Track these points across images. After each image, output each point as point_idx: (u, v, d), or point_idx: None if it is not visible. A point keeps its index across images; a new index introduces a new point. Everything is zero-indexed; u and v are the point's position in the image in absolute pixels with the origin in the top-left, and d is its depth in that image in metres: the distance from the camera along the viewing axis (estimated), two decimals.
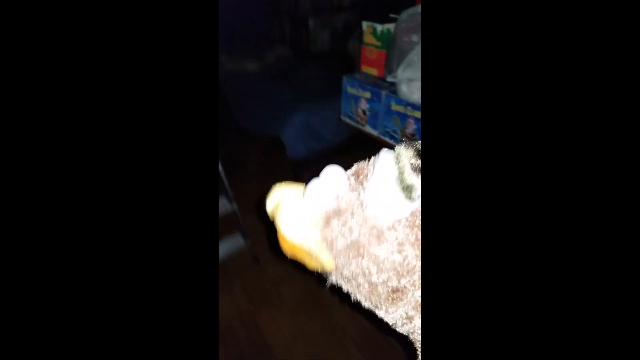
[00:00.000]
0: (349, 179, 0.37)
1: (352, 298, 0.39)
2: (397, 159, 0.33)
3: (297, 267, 0.42)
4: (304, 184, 0.38)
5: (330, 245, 0.35)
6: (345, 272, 0.36)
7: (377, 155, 0.35)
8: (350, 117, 1.72)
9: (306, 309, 1.43)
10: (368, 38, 1.57)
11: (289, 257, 0.40)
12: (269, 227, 0.39)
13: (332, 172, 0.37)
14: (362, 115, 1.63)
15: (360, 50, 1.64)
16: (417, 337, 0.37)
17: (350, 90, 1.63)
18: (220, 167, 1.28)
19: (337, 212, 0.35)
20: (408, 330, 0.37)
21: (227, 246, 1.56)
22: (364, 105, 1.59)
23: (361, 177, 0.37)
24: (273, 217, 0.39)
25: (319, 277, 0.41)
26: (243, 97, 2.67)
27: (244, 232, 1.56)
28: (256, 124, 2.44)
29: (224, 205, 1.46)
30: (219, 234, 1.55)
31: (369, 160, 0.37)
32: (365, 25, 1.55)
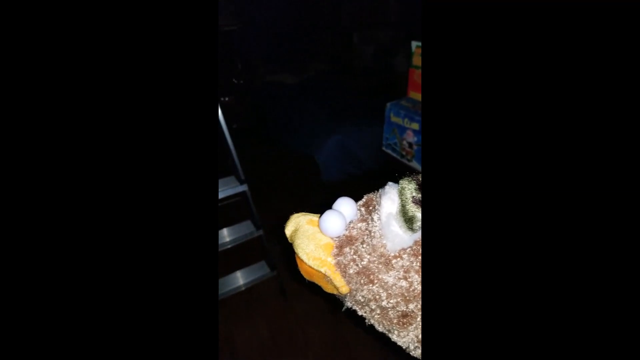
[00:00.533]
0: (359, 209, 0.42)
1: (366, 322, 0.43)
2: (401, 192, 0.37)
3: (314, 289, 0.46)
4: (319, 213, 0.43)
5: (344, 271, 0.40)
6: (359, 297, 0.40)
7: (383, 188, 0.40)
8: (394, 150, 1.53)
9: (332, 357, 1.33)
10: (417, 60, 1.37)
11: (306, 279, 0.44)
12: (288, 250, 0.44)
13: (343, 203, 0.42)
14: (407, 149, 1.44)
15: (408, 74, 1.46)
16: None
17: (395, 119, 1.44)
18: (246, 188, 1.26)
19: (349, 240, 0.40)
20: (420, 355, 0.41)
21: (251, 273, 1.53)
22: (410, 137, 1.40)
23: (370, 207, 0.42)
24: (292, 241, 0.44)
25: (336, 300, 0.45)
26: (279, 111, 2.62)
27: (270, 260, 1.53)
28: (291, 141, 2.38)
29: (249, 229, 1.42)
30: (244, 261, 1.56)
31: (377, 192, 0.42)
32: (414, 45, 1.38)
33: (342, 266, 0.39)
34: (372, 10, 3.08)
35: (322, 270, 0.40)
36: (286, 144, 2.46)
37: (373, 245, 0.38)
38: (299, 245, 0.41)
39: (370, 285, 0.38)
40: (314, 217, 0.44)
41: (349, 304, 0.43)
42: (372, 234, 0.38)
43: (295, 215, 0.45)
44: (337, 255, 0.40)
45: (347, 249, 0.39)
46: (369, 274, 0.37)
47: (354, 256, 0.38)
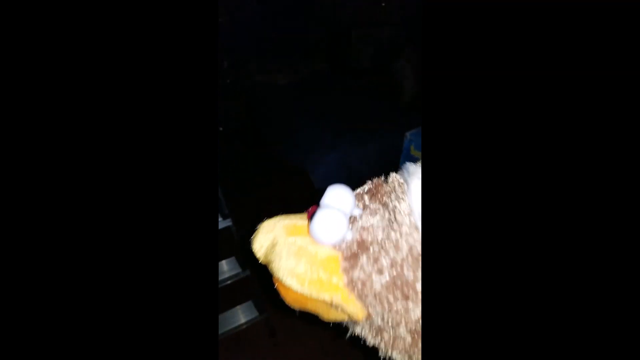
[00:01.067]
0: (361, 198, 0.34)
1: (381, 355, 0.34)
2: None
3: (309, 320, 0.37)
4: (305, 214, 0.34)
5: (361, 292, 0.30)
6: (379, 321, 0.31)
7: (402, 169, 0.33)
8: None
9: None
10: None
11: (296, 309, 0.36)
12: (263, 273, 0.35)
13: (337, 194, 0.33)
14: None
15: None
16: None
17: (417, 153, 1.29)
18: (230, 224, 1.09)
19: (363, 245, 0.31)
20: None
21: (238, 316, 1.38)
22: None
23: (380, 195, 0.33)
24: (267, 262, 0.34)
25: (337, 329, 0.37)
26: (271, 114, 2.37)
27: (258, 301, 1.37)
28: (282, 151, 2.13)
29: (234, 269, 1.25)
30: (230, 302, 1.40)
31: (385, 177, 0.35)
32: None
33: (360, 284, 0.30)
34: (373, 6, 2.85)
35: (326, 297, 0.31)
36: (277, 153, 2.22)
37: (410, 245, 0.29)
38: (281, 268, 0.32)
39: (406, 302, 0.29)
40: (297, 222, 0.34)
41: (359, 330, 0.35)
42: (400, 229, 0.30)
43: (267, 222, 0.35)
44: (349, 269, 0.31)
45: (363, 259, 0.30)
46: (403, 286, 0.29)
47: (377, 265, 0.30)
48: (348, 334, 0.36)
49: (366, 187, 0.35)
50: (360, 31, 2.88)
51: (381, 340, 0.33)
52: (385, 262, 0.29)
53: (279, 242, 0.33)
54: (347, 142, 1.87)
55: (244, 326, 1.31)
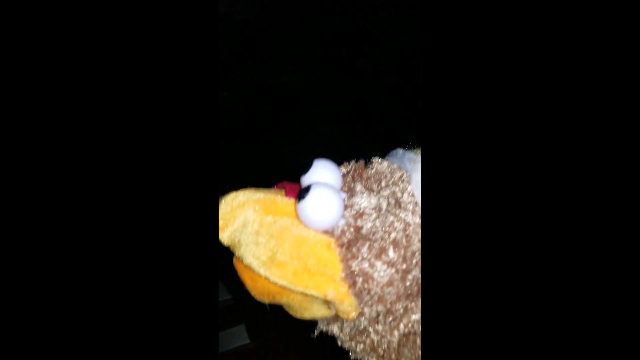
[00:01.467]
0: (344, 180, 0.31)
1: (352, 356, 0.30)
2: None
3: (277, 312, 0.32)
4: (281, 190, 0.30)
5: (363, 285, 0.26)
6: (365, 322, 0.28)
7: (392, 155, 0.31)
8: None
9: None
10: None
11: (266, 301, 0.31)
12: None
13: (326, 169, 0.29)
14: None
15: None
16: None
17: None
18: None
19: (362, 234, 0.27)
20: None
21: (227, 341, 1.30)
22: None
23: (366, 179, 0.30)
24: (233, 244, 0.29)
25: (308, 325, 0.32)
26: (279, 120, 2.29)
27: (250, 327, 1.31)
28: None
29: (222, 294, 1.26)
30: (220, 326, 1.32)
31: (366, 161, 0.31)
32: None
33: (361, 278, 0.26)
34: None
35: (316, 293, 0.26)
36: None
37: (418, 236, 0.26)
38: (253, 252, 0.27)
39: (410, 302, 0.26)
40: (277, 197, 0.29)
41: (334, 330, 0.30)
42: (406, 218, 0.26)
43: (235, 195, 0.29)
44: (349, 259, 0.26)
45: (364, 248, 0.26)
46: (413, 284, 0.26)
47: (382, 257, 0.25)
48: (316, 332, 0.32)
49: (349, 168, 0.31)
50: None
51: (359, 343, 0.29)
52: (393, 254, 0.26)
53: (252, 220, 0.27)
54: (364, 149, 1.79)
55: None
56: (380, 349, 0.28)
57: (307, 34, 2.92)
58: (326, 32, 2.97)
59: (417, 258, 0.26)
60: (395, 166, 0.29)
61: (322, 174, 0.29)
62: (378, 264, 0.26)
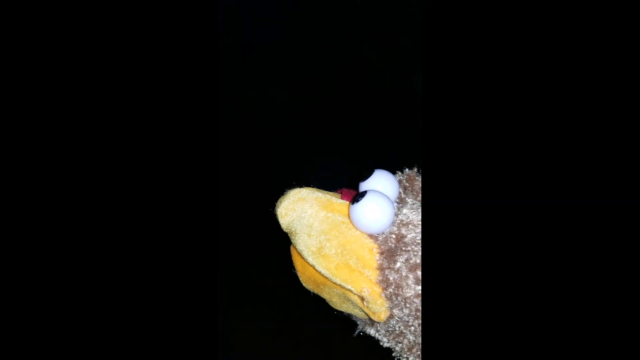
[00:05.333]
0: (401, 191, 0.34)
1: (396, 356, 0.34)
2: None
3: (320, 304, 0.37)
4: (341, 192, 0.34)
5: (394, 293, 0.29)
6: (399, 327, 0.31)
7: None
8: None
9: None
10: None
11: (310, 290, 0.35)
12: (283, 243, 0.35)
13: (383, 179, 0.33)
14: None
15: None
16: None
17: None
18: None
19: (401, 243, 0.30)
20: None
21: None
22: None
23: (416, 191, 0.33)
24: (290, 231, 0.33)
25: (345, 321, 0.37)
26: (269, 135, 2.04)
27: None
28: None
29: None
30: None
31: (418, 170, 0.34)
32: None
33: (393, 286, 0.29)
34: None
35: (353, 288, 0.30)
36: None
37: None
38: (306, 242, 0.30)
39: None
40: (332, 199, 0.32)
41: (372, 332, 0.33)
42: None
43: (298, 189, 0.33)
44: (386, 267, 0.29)
45: (402, 259, 0.29)
46: None
47: (417, 271, 0.28)
48: (357, 332, 0.36)
49: (400, 178, 0.34)
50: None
51: (398, 343, 0.33)
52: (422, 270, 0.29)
53: (309, 213, 0.31)
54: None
55: None
56: (415, 348, 0.32)
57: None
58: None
59: None
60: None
61: (380, 183, 0.32)
62: (410, 277, 0.28)
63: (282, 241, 0.36)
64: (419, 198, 0.32)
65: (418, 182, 0.33)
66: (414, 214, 0.30)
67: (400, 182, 0.34)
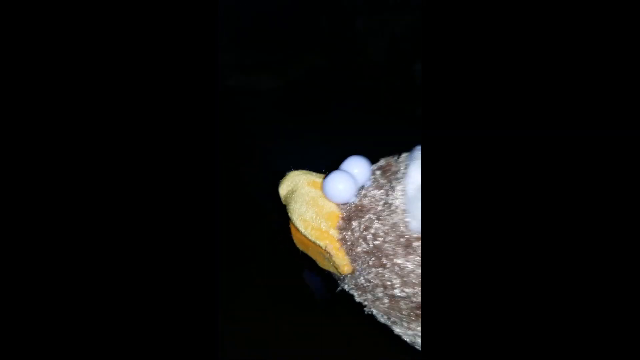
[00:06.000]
0: (374, 173, 0.40)
1: (365, 311, 0.40)
2: None
3: (308, 261, 0.45)
4: (324, 174, 0.41)
5: (349, 249, 0.37)
6: (362, 280, 0.38)
7: (411, 152, 0.37)
8: None
9: None
10: None
11: (300, 249, 0.43)
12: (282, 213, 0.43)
13: (355, 163, 0.40)
14: None
15: None
16: None
17: None
18: None
19: (359, 211, 0.37)
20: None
21: None
22: None
23: (389, 174, 0.39)
24: (286, 203, 0.42)
25: (330, 280, 0.44)
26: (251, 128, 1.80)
27: None
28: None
29: None
30: None
31: (398, 157, 0.40)
32: None
33: (349, 243, 0.37)
34: None
35: (322, 244, 0.38)
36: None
37: (392, 222, 0.35)
38: (295, 210, 0.40)
39: (382, 269, 0.35)
40: (316, 178, 0.41)
41: (346, 287, 0.40)
42: (392, 207, 0.35)
43: (294, 173, 0.43)
44: (343, 229, 0.37)
45: (355, 223, 0.37)
46: (382, 256, 0.35)
47: (365, 232, 0.36)
48: (338, 288, 0.42)
49: (379, 163, 0.40)
50: (369, 19, 2.33)
51: (365, 299, 0.39)
52: (372, 231, 0.35)
53: (297, 189, 0.40)
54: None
55: None
56: (377, 302, 0.37)
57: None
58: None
59: (390, 237, 0.34)
60: (405, 163, 0.36)
61: (351, 165, 0.39)
62: (362, 236, 0.36)
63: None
64: (395, 177, 0.37)
65: (394, 166, 0.38)
66: (375, 191, 0.37)
67: (381, 166, 0.40)
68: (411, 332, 0.37)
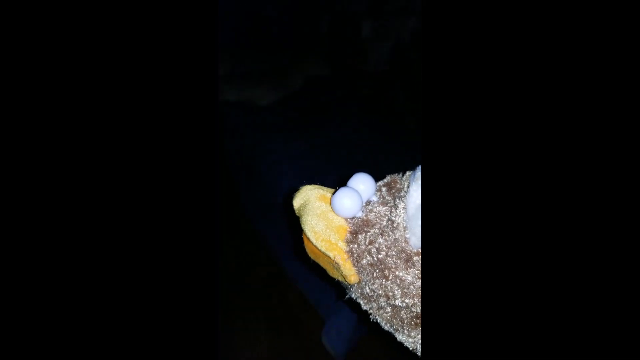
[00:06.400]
0: (380, 189, 0.42)
1: (371, 318, 0.43)
2: None
3: (318, 271, 0.47)
4: (334, 189, 0.43)
5: (356, 260, 0.40)
6: (367, 290, 0.40)
7: (414, 171, 0.39)
8: None
9: None
10: None
11: (311, 259, 0.45)
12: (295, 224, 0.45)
13: (361, 180, 0.42)
14: None
15: None
16: None
17: None
18: None
19: (365, 225, 0.40)
20: None
21: None
22: None
23: (393, 190, 0.41)
24: (299, 215, 0.44)
25: (339, 288, 0.46)
26: (245, 163, 1.67)
27: None
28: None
29: None
30: None
31: (403, 175, 0.42)
32: None
33: (355, 255, 0.39)
34: None
35: (331, 255, 0.40)
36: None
37: (394, 238, 0.37)
38: (306, 222, 0.42)
39: (384, 280, 0.37)
40: (326, 193, 0.44)
41: (353, 295, 0.43)
42: (395, 224, 0.37)
43: (307, 187, 0.45)
44: (351, 242, 0.40)
45: (361, 237, 0.39)
46: (384, 269, 0.37)
47: (370, 246, 0.38)
48: (346, 297, 0.44)
49: (385, 180, 0.42)
50: (374, 23, 2.20)
51: (370, 307, 0.41)
52: (376, 245, 0.37)
53: (309, 202, 0.42)
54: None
55: None
56: (381, 311, 0.40)
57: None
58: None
59: (392, 252, 0.36)
60: (414, 181, 0.37)
61: (357, 182, 0.41)
62: (367, 249, 0.38)
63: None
64: (399, 194, 0.39)
65: (399, 184, 0.41)
66: (381, 207, 0.40)
67: (386, 183, 0.42)
68: (412, 340, 0.40)
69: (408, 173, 0.40)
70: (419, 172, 0.37)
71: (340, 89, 1.96)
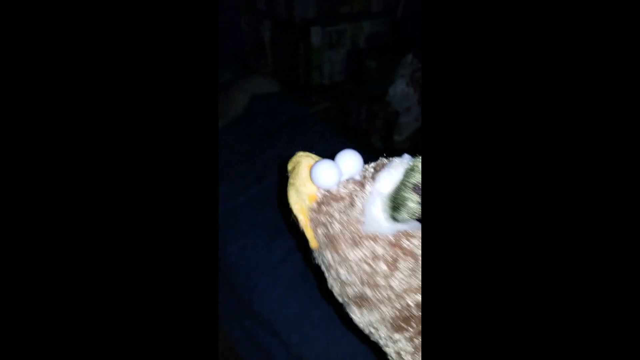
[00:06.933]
0: (366, 170, 0.43)
1: (328, 284, 0.45)
2: (407, 172, 0.37)
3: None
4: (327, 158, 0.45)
5: (315, 228, 0.43)
6: (323, 258, 0.43)
7: (399, 158, 0.40)
8: None
9: None
10: None
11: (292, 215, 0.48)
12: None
13: (346, 156, 0.43)
14: None
15: None
16: (385, 349, 0.44)
17: None
18: None
19: (332, 199, 0.41)
20: (376, 339, 0.44)
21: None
22: None
23: (377, 173, 0.41)
24: (290, 176, 0.48)
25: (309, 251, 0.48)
26: None
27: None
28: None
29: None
30: None
31: (389, 160, 0.42)
32: None
33: (315, 224, 0.42)
34: None
35: (299, 217, 0.44)
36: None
37: (349, 217, 0.39)
38: (290, 184, 0.45)
39: (334, 253, 0.40)
40: (313, 162, 0.45)
41: (318, 261, 0.46)
42: (354, 204, 0.39)
43: (300, 154, 0.47)
44: (315, 211, 0.42)
45: (324, 209, 0.41)
46: (335, 243, 0.40)
47: (328, 219, 0.40)
48: (314, 263, 0.46)
49: (373, 163, 0.43)
50: (324, 29, 1.95)
51: (329, 276, 0.44)
52: (333, 220, 0.39)
53: (297, 167, 0.45)
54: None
55: None
56: (335, 282, 0.43)
57: None
58: None
59: (344, 231, 0.38)
60: (385, 168, 0.39)
61: (342, 158, 0.43)
62: (324, 220, 0.40)
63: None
64: (375, 175, 0.40)
65: (381, 168, 0.42)
66: (355, 186, 0.40)
67: (377, 165, 0.42)
68: (357, 317, 0.43)
69: (395, 160, 0.40)
70: (397, 161, 0.38)
71: (292, 106, 1.68)
